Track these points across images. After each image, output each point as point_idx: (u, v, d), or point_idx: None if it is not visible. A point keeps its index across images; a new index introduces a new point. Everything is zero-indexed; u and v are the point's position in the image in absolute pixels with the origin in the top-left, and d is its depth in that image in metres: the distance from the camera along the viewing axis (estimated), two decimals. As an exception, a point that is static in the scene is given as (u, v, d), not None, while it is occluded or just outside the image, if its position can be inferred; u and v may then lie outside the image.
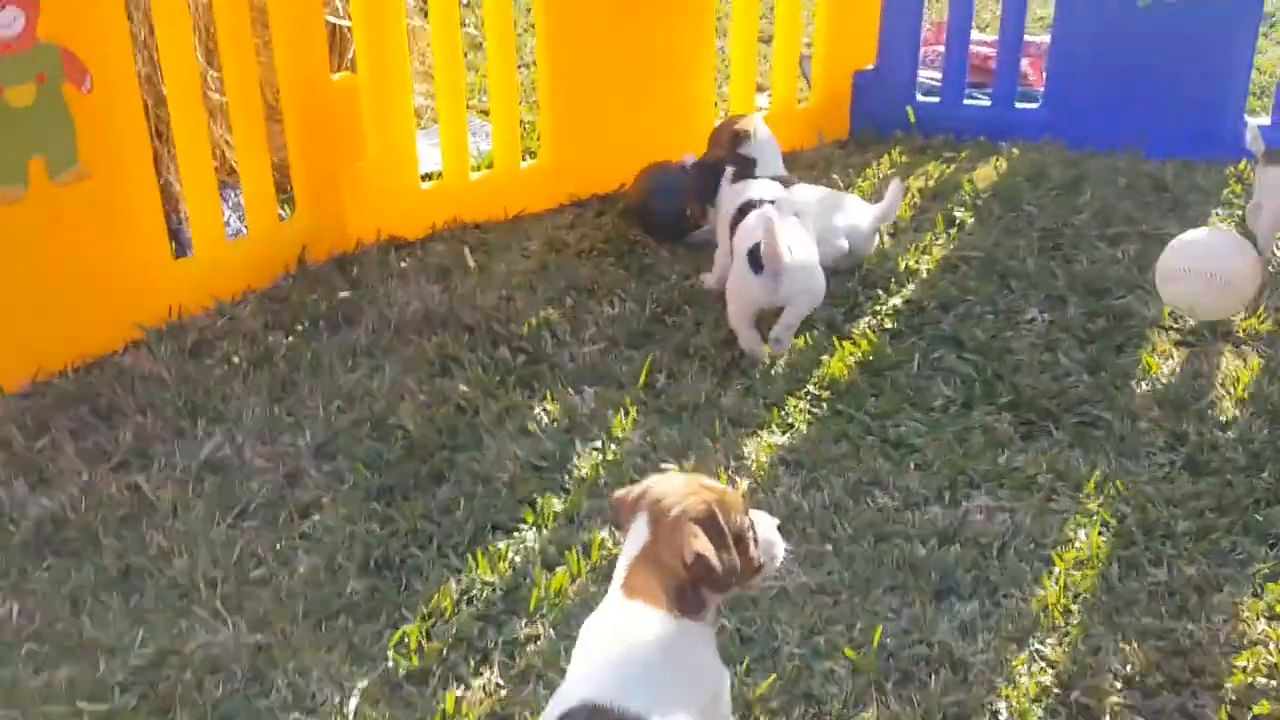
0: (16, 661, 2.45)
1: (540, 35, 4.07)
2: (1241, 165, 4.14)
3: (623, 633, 1.95)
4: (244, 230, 3.87)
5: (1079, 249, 3.78)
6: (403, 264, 3.82)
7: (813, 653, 2.45)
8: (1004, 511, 2.80)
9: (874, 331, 3.46)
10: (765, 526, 2.09)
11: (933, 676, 2.39)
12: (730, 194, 3.59)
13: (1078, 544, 2.70)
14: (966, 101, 4.62)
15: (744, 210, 3.44)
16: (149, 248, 3.46)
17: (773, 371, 3.30)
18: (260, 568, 2.68)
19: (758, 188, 3.53)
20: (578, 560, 2.66)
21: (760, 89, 4.67)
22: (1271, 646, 2.46)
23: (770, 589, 2.54)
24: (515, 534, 2.77)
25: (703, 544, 1.94)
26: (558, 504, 2.85)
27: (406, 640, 2.49)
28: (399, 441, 3.04)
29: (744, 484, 2.91)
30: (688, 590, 1.97)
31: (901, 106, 4.58)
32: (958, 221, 3.98)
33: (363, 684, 2.41)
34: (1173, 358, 3.32)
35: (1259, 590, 2.56)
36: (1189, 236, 3.45)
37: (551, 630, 2.51)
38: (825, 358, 3.34)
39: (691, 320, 3.52)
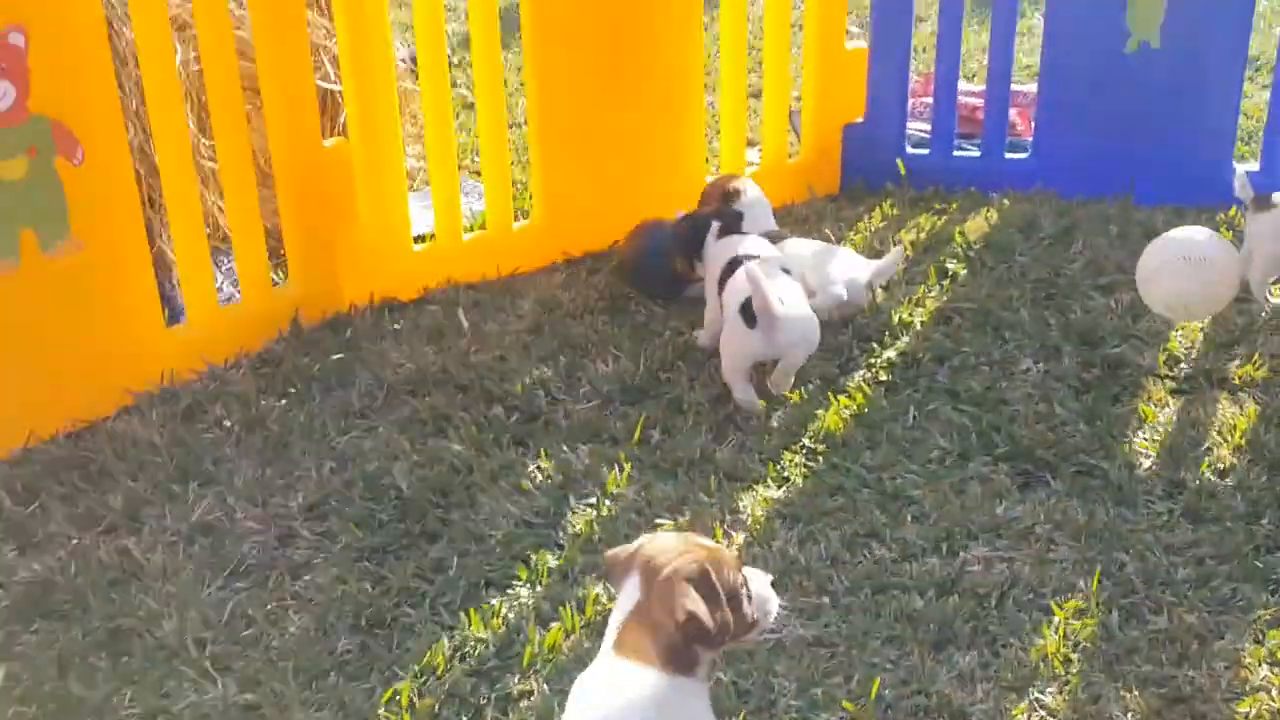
0: (4, 727, 2.43)
1: (530, 95, 4.10)
2: (1232, 212, 4.15)
3: (616, 691, 1.94)
4: (237, 295, 3.88)
5: (1072, 299, 3.78)
6: (396, 325, 3.83)
7: (810, 705, 2.42)
8: (1002, 562, 2.78)
9: (869, 384, 3.45)
10: (759, 583, 2.08)
11: (932, 729, 2.36)
12: (717, 250, 3.59)
13: (1077, 593, 2.67)
14: (956, 153, 4.64)
15: (732, 266, 3.44)
16: (141, 315, 3.47)
17: (768, 426, 3.28)
18: (250, 628, 2.66)
19: (744, 243, 3.54)
20: (572, 616, 2.63)
21: (751, 144, 4.70)
22: (1274, 693, 2.43)
23: (767, 642, 2.52)
24: (509, 591, 2.75)
25: (695, 602, 1.93)
26: (552, 560, 2.83)
27: (398, 698, 2.46)
28: (392, 501, 3.02)
29: (740, 538, 2.89)
30: (680, 648, 1.95)
31: (891, 159, 4.61)
32: (950, 273, 3.98)
33: (354, 747, 2.38)
34: (1169, 406, 3.31)
35: (1260, 637, 2.53)
36: (1159, 239, 3.49)
37: (545, 686, 2.48)
38: (820, 411, 3.33)
39: (686, 376, 3.51)
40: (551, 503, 3.01)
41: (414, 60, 4.37)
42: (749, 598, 2.04)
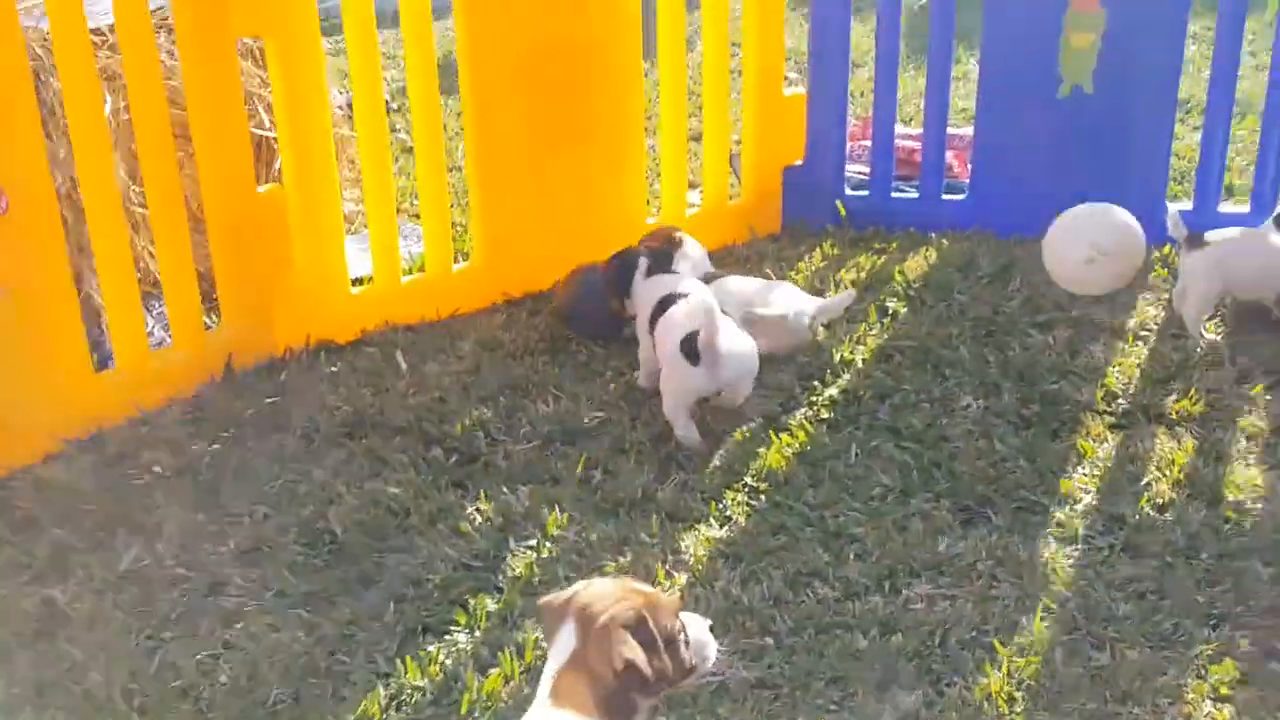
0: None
1: (469, 139, 4.09)
2: (1166, 250, 4.21)
3: (552, 741, 1.88)
4: (168, 340, 3.81)
5: (1011, 336, 3.80)
6: (332, 368, 3.77)
7: (754, 750, 2.38)
8: (945, 599, 2.76)
9: (811, 422, 3.44)
10: (696, 627, 2.04)
11: (877, 771, 2.33)
12: (646, 290, 3.58)
13: (1020, 630, 2.66)
14: (894, 194, 4.68)
15: (663, 304, 3.43)
16: (69, 362, 3.40)
17: (710, 464, 3.26)
18: (180, 679, 2.58)
19: (674, 282, 3.53)
20: (511, 661, 2.58)
21: (692, 186, 4.71)
22: (1218, 727, 2.42)
23: (710, 684, 2.48)
24: (447, 636, 2.69)
25: (633, 650, 1.88)
26: (491, 604, 2.77)
27: (332, 752, 2.40)
28: (327, 546, 2.96)
29: (682, 579, 2.85)
30: (619, 697, 1.90)
31: (831, 201, 4.64)
32: (891, 311, 4.00)
33: (286, 801, 2.31)
34: (1107, 441, 3.33)
35: (1203, 672, 2.53)
36: (1069, 216, 3.71)
37: (484, 736, 2.43)
38: (762, 449, 3.31)
39: (627, 415, 3.49)
40: (491, 545, 2.96)
41: (351, 106, 4.34)
42: (686, 643, 2.00)
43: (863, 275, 4.27)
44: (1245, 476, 3.12)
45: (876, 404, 3.50)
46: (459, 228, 4.50)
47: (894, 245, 4.48)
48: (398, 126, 5.60)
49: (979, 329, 3.86)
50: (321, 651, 2.63)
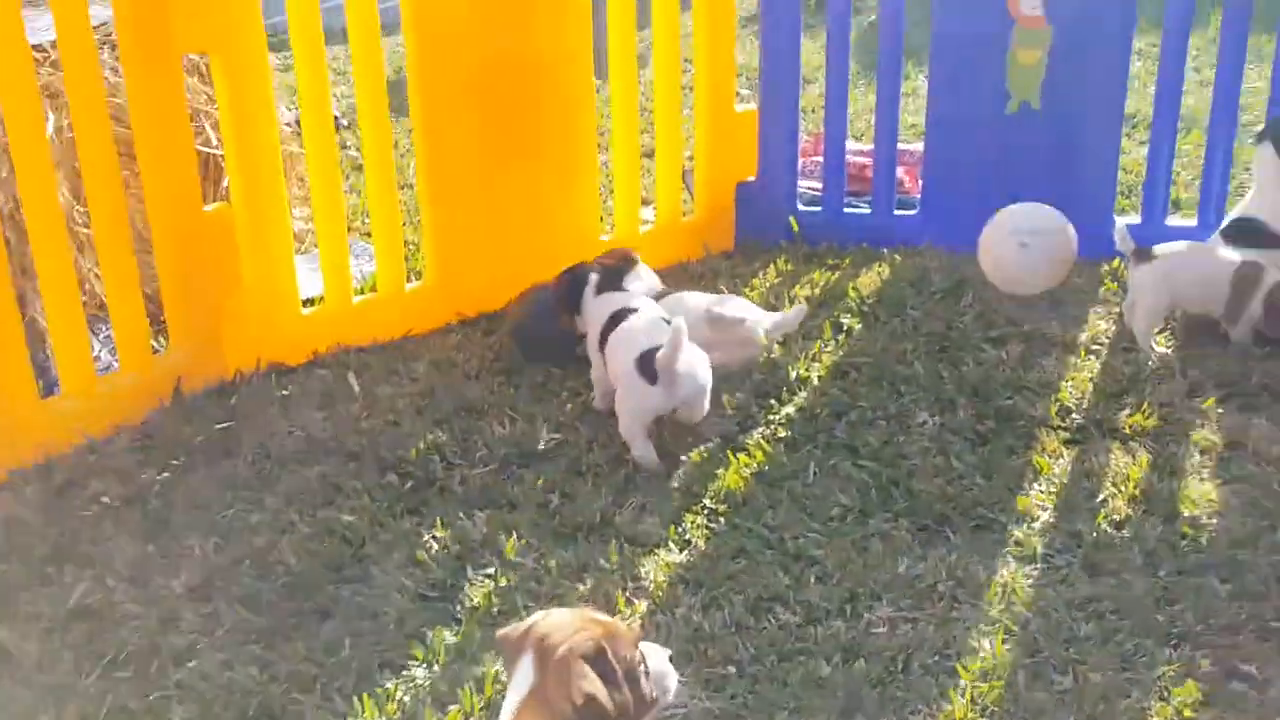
0: None
1: (420, 157, 4.04)
2: (1115, 263, 4.25)
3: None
4: (116, 364, 3.73)
5: (965, 351, 3.82)
6: (284, 392, 3.71)
7: (719, 782, 2.36)
8: (906, 622, 2.75)
9: (768, 442, 3.43)
10: (656, 658, 2.02)
11: (844, 800, 2.32)
12: (596, 307, 3.55)
13: (982, 653, 2.66)
14: (847, 210, 4.69)
15: (615, 321, 3.41)
16: (14, 388, 3.32)
17: (669, 486, 3.24)
18: (131, 722, 2.51)
19: (625, 299, 3.50)
20: (470, 697, 2.54)
21: (645, 203, 4.69)
22: (1180, 749, 2.43)
23: (672, 717, 2.45)
24: (404, 672, 2.64)
25: (593, 683, 1.86)
26: (449, 636, 2.73)
27: (290, 794, 2.35)
28: (280, 578, 2.91)
29: (642, 606, 2.82)
30: (577, 730, 1.88)
31: (784, 217, 4.64)
32: (845, 328, 4.00)
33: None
34: (1063, 457, 3.34)
35: (1165, 694, 2.53)
36: (1000, 219, 3.86)
37: (445, 774, 2.39)
38: (721, 470, 3.30)
39: (584, 437, 3.46)
40: (448, 574, 2.92)
41: (299, 123, 4.28)
42: (647, 674, 1.98)
43: (817, 291, 4.27)
44: (1200, 491, 3.15)
45: (833, 422, 3.50)
46: (411, 246, 4.46)
47: (847, 261, 4.49)
48: (348, 143, 5.54)
49: (933, 345, 3.87)
50: (276, 690, 2.57)
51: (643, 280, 3.68)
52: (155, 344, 3.79)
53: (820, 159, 4.76)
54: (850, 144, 4.77)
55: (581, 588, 2.87)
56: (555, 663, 1.89)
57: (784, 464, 3.32)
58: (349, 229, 4.52)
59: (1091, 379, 3.69)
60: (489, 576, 2.92)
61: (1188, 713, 2.48)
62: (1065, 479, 3.25)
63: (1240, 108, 4.39)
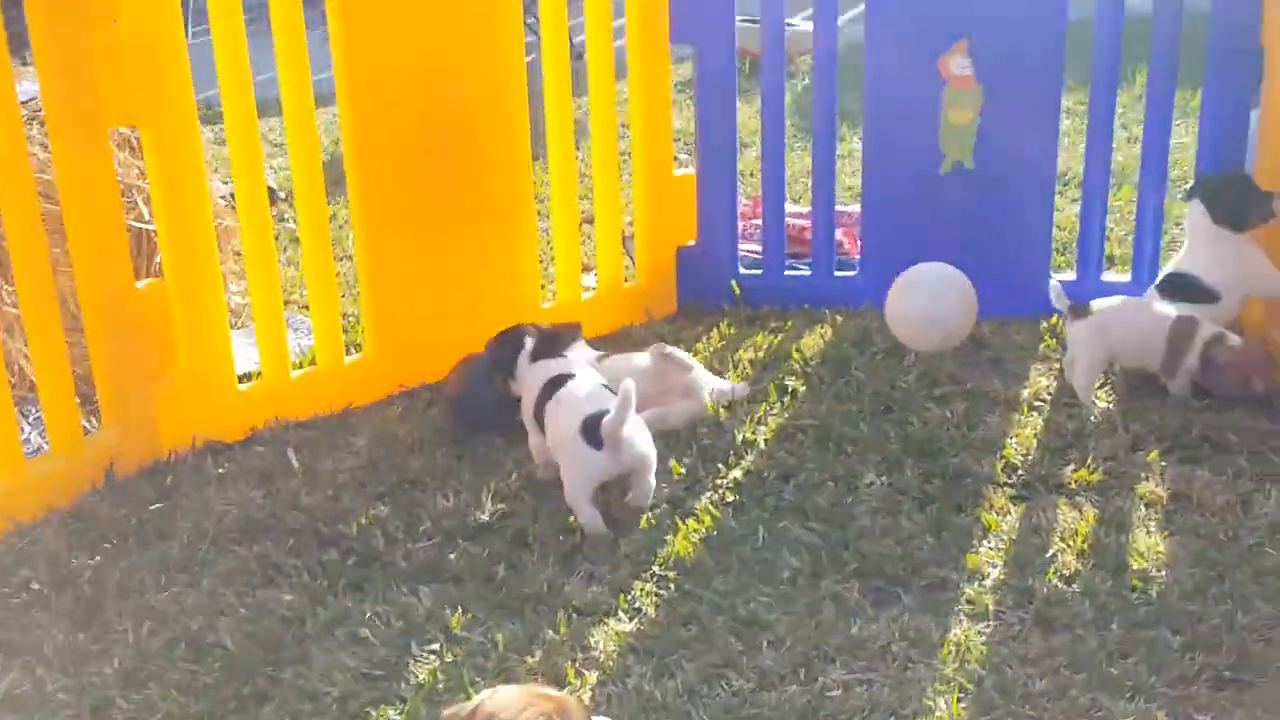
0: None
1: (357, 226, 4.01)
2: (1054, 320, 4.28)
3: None
4: (46, 447, 3.64)
5: (909, 410, 3.82)
6: (220, 469, 3.63)
7: None
8: (861, 684, 2.71)
9: (716, 506, 3.40)
10: (607, 732, 1.97)
11: None
12: (532, 374, 3.51)
13: (938, 712, 2.62)
14: (788, 272, 4.71)
15: (553, 385, 3.37)
16: (-63, 470, 3.22)
17: (617, 554, 3.19)
18: (60, 819, 2.41)
19: (563, 365, 3.48)
20: (417, 779, 2.47)
21: (586, 269, 4.68)
22: (1141, 805, 2.40)
23: (626, 791, 2.39)
24: (348, 755, 2.56)
25: (544, 762, 1.81)
26: (394, 715, 2.66)
27: None
28: (217, 662, 2.82)
29: (592, 677, 2.76)
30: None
31: (725, 280, 4.64)
32: (790, 390, 3.99)
33: None
34: (1011, 514, 3.34)
35: (1122, 747, 2.52)
36: (902, 282, 3.99)
37: None
38: (669, 536, 3.25)
39: (529, 507, 3.41)
40: (392, 652, 2.84)
41: (235, 196, 4.24)
42: (599, 748, 1.93)
43: (760, 354, 4.27)
44: (1148, 544, 3.15)
45: (781, 484, 3.48)
46: (351, 318, 4.41)
47: (789, 323, 4.50)
48: (286, 215, 5.50)
49: (878, 405, 3.86)
50: (215, 778, 2.49)
51: (581, 350, 3.66)
52: (87, 424, 3.71)
53: (759, 222, 4.78)
54: (789, 206, 4.79)
55: (530, 660, 2.81)
56: (504, 743, 1.83)
57: (733, 528, 3.29)
58: (287, 302, 4.47)
59: (1035, 435, 3.70)
60: (434, 653, 2.85)
61: (1146, 768, 2.46)
62: (1014, 535, 3.24)
63: (1169, 164, 4.48)
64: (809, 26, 4.74)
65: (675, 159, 4.72)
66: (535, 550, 3.22)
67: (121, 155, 4.36)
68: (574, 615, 2.96)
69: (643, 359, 3.85)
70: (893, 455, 3.58)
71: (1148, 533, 3.21)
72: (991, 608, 2.95)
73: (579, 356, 3.61)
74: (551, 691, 1.94)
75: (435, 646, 2.87)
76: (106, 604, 3.03)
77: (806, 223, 4.82)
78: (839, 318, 4.48)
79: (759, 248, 4.75)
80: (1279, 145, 4.05)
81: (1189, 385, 3.83)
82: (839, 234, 4.80)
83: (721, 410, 3.83)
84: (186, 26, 3.69)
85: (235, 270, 4.64)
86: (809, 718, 2.61)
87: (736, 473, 3.55)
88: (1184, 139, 5.31)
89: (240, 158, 3.75)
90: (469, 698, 2.40)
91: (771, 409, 3.87)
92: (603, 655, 2.84)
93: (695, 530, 3.28)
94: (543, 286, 4.47)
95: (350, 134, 3.89)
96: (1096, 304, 3.91)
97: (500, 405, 3.67)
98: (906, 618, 2.92)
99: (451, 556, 3.20)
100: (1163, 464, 3.50)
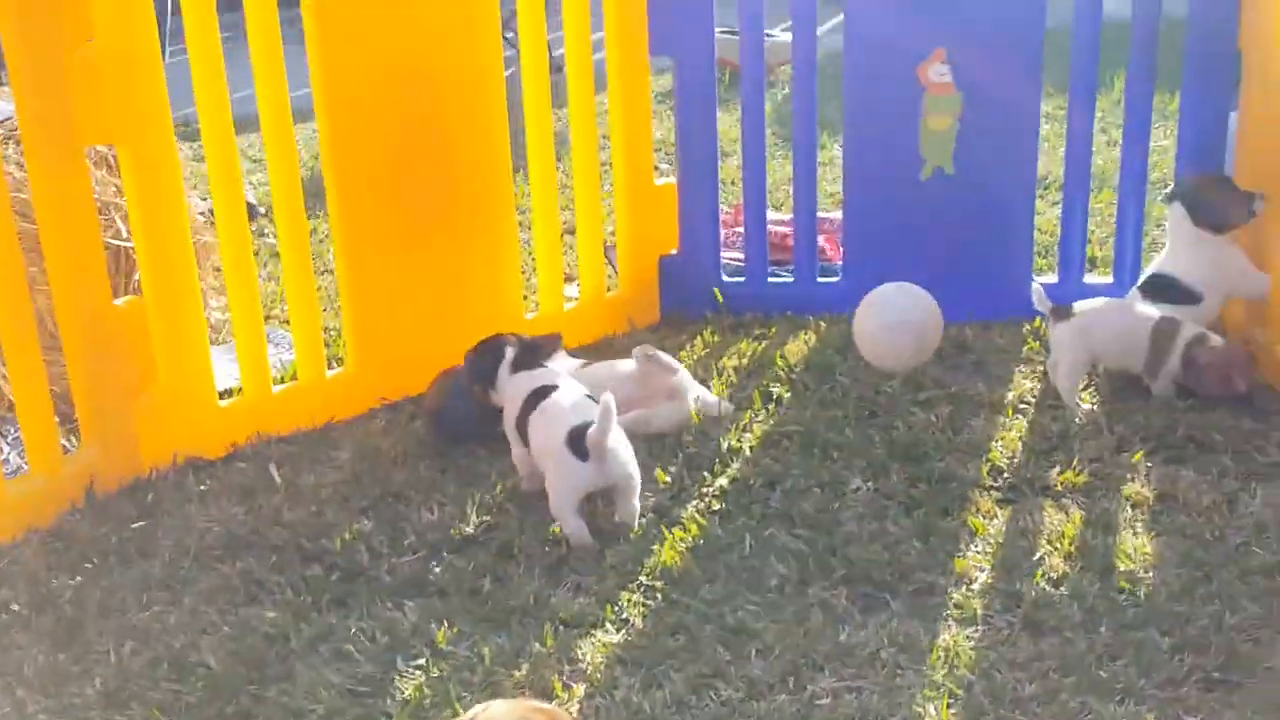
0: None
1: (338, 240, 3.99)
2: (1037, 323, 4.28)
3: None
4: (25, 467, 3.60)
5: (894, 415, 3.81)
6: (202, 486, 3.60)
7: None
8: (850, 692, 2.70)
9: (702, 514, 3.38)
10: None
11: None
12: (513, 385, 3.49)
13: (928, 718, 2.61)
14: (770, 279, 4.70)
15: (537, 397, 3.36)
16: (-86, 492, 3.18)
17: (603, 565, 3.17)
18: (42, 844, 2.38)
19: (545, 375, 3.46)
20: (404, 795, 2.44)
21: (568, 279, 4.67)
22: (1133, 807, 2.39)
23: (615, 803, 2.37)
24: (334, 772, 2.54)
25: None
26: (380, 732, 2.63)
27: None
28: (200, 680, 2.78)
29: (580, 690, 2.74)
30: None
31: (708, 288, 4.64)
32: (775, 396, 3.98)
33: None
34: (997, 517, 3.33)
35: (1112, 750, 2.50)
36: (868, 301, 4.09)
37: None
38: (656, 545, 3.24)
39: (515, 519, 3.38)
40: (377, 668, 2.82)
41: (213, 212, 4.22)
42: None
43: (744, 361, 4.26)
44: (1135, 545, 3.15)
45: (767, 492, 3.46)
46: (332, 332, 4.39)
47: (773, 330, 4.49)
48: (266, 231, 5.47)
49: (863, 410, 3.86)
50: (198, 798, 2.46)
51: (562, 360, 3.65)
52: (67, 443, 3.67)
53: (741, 230, 4.77)
54: (770, 214, 4.79)
55: (517, 674, 2.79)
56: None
57: (719, 536, 3.27)
58: (268, 317, 4.45)
59: (1020, 438, 3.69)
60: (420, 668, 2.83)
61: (1137, 770, 2.45)
62: (1001, 539, 3.23)
63: (1149, 166, 4.49)
64: (788, 37, 4.74)
65: (656, 168, 4.72)
66: (521, 562, 3.20)
67: (99, 173, 4.34)
68: (561, 627, 2.94)
69: (627, 364, 3.84)
70: (878, 460, 3.57)
71: (1134, 534, 3.21)
72: (980, 612, 2.94)
73: (560, 367, 3.60)
74: (544, 705, 1.93)
75: (421, 662, 2.84)
76: (88, 624, 3.00)
77: (788, 230, 4.82)
78: (822, 324, 4.48)
79: (741, 255, 4.75)
80: (1257, 147, 4.06)
81: (1172, 386, 3.83)
82: (821, 240, 4.79)
83: (706, 418, 3.82)
84: (164, 47, 3.67)
85: (215, 286, 4.61)
86: (798, 727, 2.59)
87: (722, 481, 3.53)
88: (1163, 142, 5.33)
89: (219, 173, 3.73)
90: (456, 713, 2.39)
91: (756, 416, 3.86)
92: (590, 667, 2.82)
93: (682, 539, 3.26)
94: (525, 297, 4.46)
95: (329, 148, 3.88)
96: (1079, 306, 3.92)
97: (481, 416, 3.65)
98: (895, 624, 2.90)
99: (436, 570, 3.18)
100: (1148, 465, 3.50)
